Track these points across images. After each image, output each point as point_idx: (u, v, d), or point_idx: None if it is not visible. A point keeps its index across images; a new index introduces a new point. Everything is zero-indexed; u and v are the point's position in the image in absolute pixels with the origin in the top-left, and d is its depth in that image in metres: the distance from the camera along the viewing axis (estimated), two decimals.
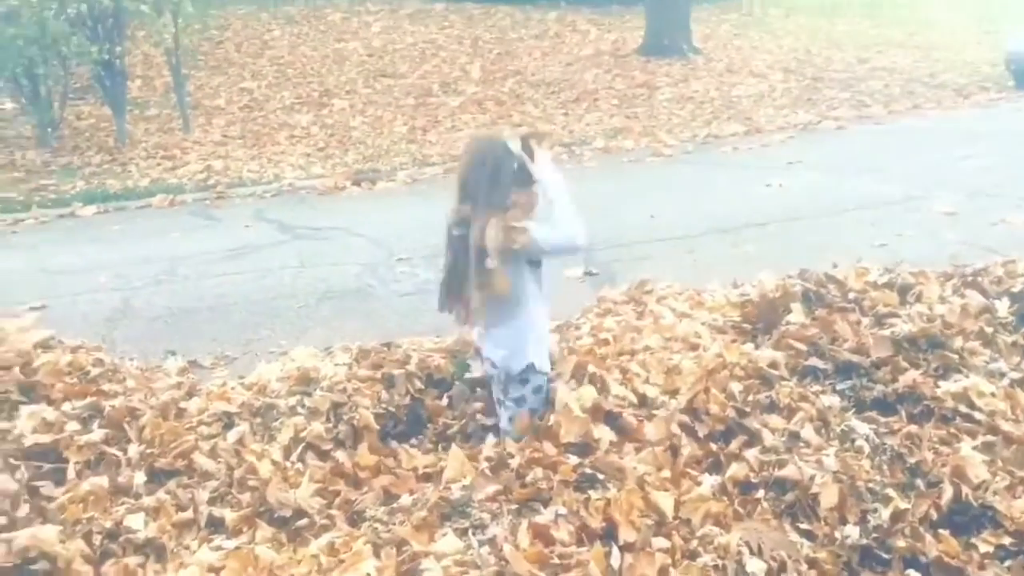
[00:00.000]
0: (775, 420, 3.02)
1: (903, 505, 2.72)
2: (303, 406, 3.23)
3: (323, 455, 3.09)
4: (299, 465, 3.02)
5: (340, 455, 3.04)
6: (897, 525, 2.68)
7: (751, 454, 2.89)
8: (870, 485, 2.77)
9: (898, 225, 6.89)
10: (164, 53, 13.11)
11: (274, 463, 2.98)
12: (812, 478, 2.73)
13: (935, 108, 13.19)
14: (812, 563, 2.55)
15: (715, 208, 8.01)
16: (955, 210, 7.27)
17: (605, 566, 2.38)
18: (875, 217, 7.31)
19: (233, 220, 8.89)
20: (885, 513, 2.70)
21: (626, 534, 2.51)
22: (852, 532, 2.64)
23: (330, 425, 3.17)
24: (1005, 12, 19.65)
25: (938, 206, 7.43)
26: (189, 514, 2.85)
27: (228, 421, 3.23)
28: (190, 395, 3.44)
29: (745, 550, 2.55)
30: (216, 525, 2.85)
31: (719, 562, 2.50)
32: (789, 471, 2.77)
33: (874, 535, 2.65)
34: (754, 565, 2.50)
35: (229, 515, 2.82)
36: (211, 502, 2.89)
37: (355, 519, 2.75)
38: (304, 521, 2.77)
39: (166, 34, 12.42)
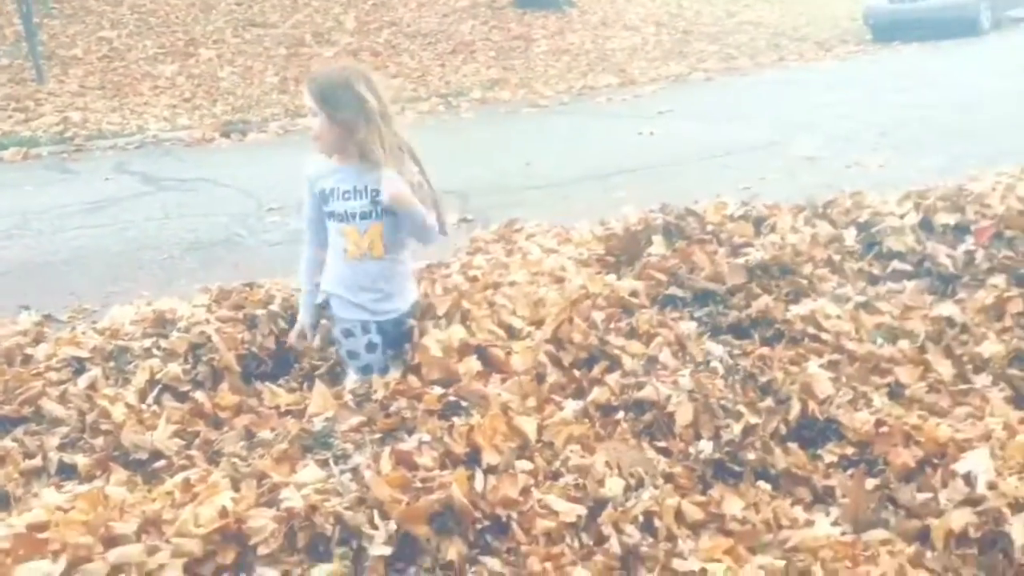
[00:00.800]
0: (635, 346, 3.10)
1: (754, 420, 2.83)
2: (159, 348, 3.12)
3: (181, 397, 3.00)
4: (155, 408, 2.93)
5: (199, 396, 2.95)
6: (748, 439, 2.79)
7: (612, 379, 2.96)
8: (723, 403, 2.87)
9: (761, 169, 7.13)
10: (14, 0, 12.30)
11: (128, 407, 2.88)
12: (668, 398, 2.81)
13: (798, 60, 13.68)
14: (668, 478, 2.64)
15: (589, 156, 8.11)
16: (814, 154, 7.58)
17: (468, 488, 2.40)
18: (740, 162, 7.55)
19: (92, 173, 8.48)
20: (737, 429, 2.80)
21: (489, 457, 2.53)
22: (706, 447, 2.74)
23: (188, 367, 3.08)
24: None
25: (798, 151, 7.73)
26: (37, 461, 2.74)
27: (79, 366, 3.09)
28: (37, 342, 3.27)
29: (605, 469, 2.61)
30: (68, 472, 2.74)
31: (580, 481, 2.56)
32: (647, 392, 2.85)
33: (727, 449, 2.76)
34: (613, 483, 2.57)
35: (81, 460, 2.72)
36: (61, 448, 2.78)
37: (215, 458, 2.69)
38: (162, 463, 2.69)
39: None
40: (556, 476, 2.58)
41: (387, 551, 2.12)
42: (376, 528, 2.18)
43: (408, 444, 2.53)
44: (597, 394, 2.91)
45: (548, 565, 2.21)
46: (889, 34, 14.97)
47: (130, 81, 12.09)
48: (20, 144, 9.55)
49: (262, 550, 2.07)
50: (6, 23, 13.67)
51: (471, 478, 2.45)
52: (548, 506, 2.41)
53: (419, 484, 2.37)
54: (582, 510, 2.42)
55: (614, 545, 2.28)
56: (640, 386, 2.91)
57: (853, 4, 16.84)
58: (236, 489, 2.35)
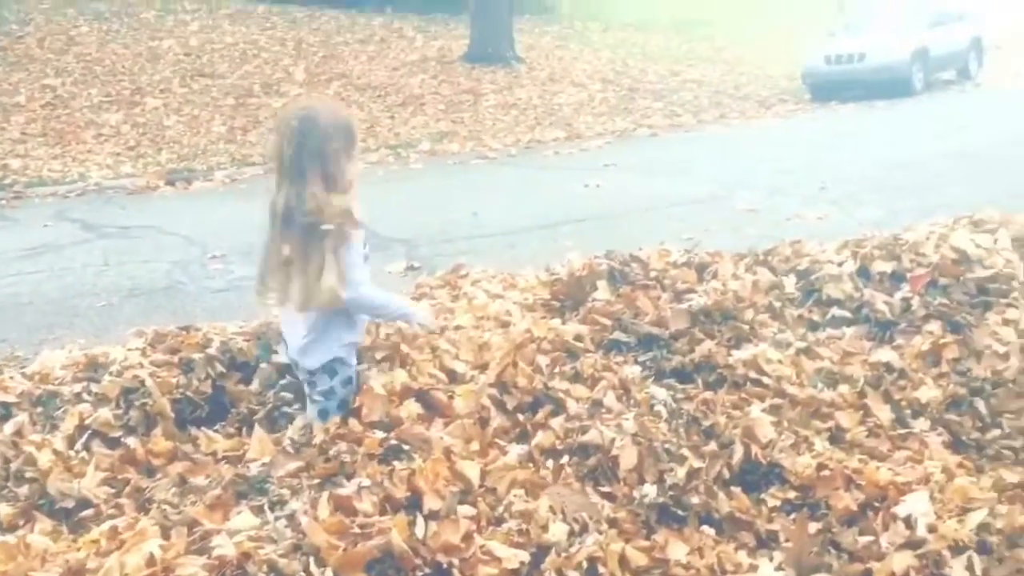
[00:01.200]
0: (579, 390, 3.08)
1: (697, 464, 2.82)
2: (90, 393, 3.02)
3: (112, 443, 2.90)
4: (84, 455, 2.82)
5: (131, 442, 2.85)
6: (692, 483, 2.78)
7: (556, 423, 2.93)
8: (667, 447, 2.86)
9: (704, 221, 7.24)
10: None
11: (56, 453, 2.77)
12: (612, 441, 2.79)
13: (739, 117, 14.03)
14: (612, 523, 2.61)
15: (536, 207, 8.17)
16: (755, 207, 7.72)
17: (408, 534, 2.35)
18: (683, 213, 7.66)
19: (31, 220, 8.31)
20: (681, 472, 2.79)
21: (431, 502, 2.48)
22: (650, 491, 2.72)
23: (120, 412, 2.98)
24: (803, 30, 21.14)
25: (740, 204, 7.88)
26: None
27: (5, 412, 2.98)
28: None
29: (549, 514, 2.58)
30: None
31: (523, 527, 2.51)
32: (591, 436, 2.83)
33: (671, 493, 2.74)
34: (557, 528, 2.54)
35: (4, 510, 2.60)
36: None
37: (146, 506, 2.59)
38: (89, 512, 2.59)
39: None
40: (499, 521, 2.54)
41: None
42: None
43: (347, 489, 2.47)
44: (541, 438, 2.88)
45: None
46: (827, 94, 15.46)
47: (73, 129, 11.93)
48: None
49: None
50: None
51: (412, 524, 2.40)
52: (491, 552, 2.37)
53: (357, 530, 2.31)
54: (525, 556, 2.38)
55: None
56: (584, 430, 2.89)
57: (792, 65, 17.38)
58: (166, 537, 2.27)
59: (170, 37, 16.27)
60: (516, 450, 2.84)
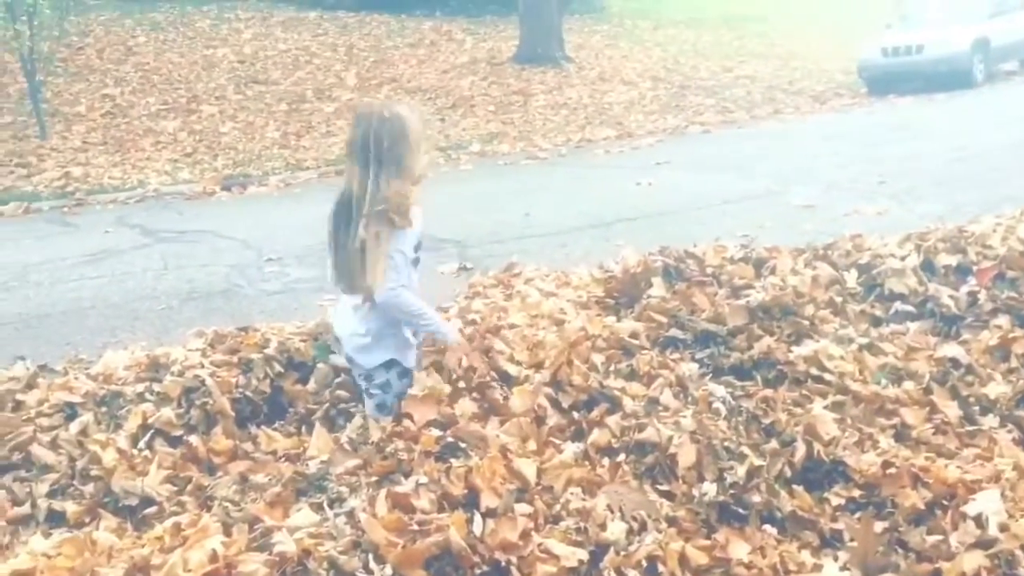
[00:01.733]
0: (635, 387, 3.05)
1: (758, 462, 2.77)
2: (152, 392, 3.07)
3: (174, 442, 2.94)
4: (147, 453, 2.87)
5: (193, 440, 2.90)
6: (753, 482, 2.73)
7: (612, 421, 2.91)
8: (727, 445, 2.82)
9: (759, 218, 7.13)
10: (19, 58, 12.46)
11: (119, 452, 2.82)
12: (670, 439, 2.76)
13: (794, 113, 13.81)
14: (672, 521, 2.57)
15: (587, 206, 8.13)
16: (811, 203, 7.59)
17: (466, 531, 2.34)
18: (738, 210, 7.56)
19: (92, 226, 8.50)
20: (741, 471, 2.74)
21: (488, 500, 2.47)
22: (709, 489, 2.68)
23: (181, 411, 3.03)
24: (859, 23, 20.76)
25: (796, 200, 7.74)
26: (26, 509, 2.67)
27: (71, 412, 3.05)
28: (29, 388, 3.23)
29: (607, 513, 2.55)
30: (57, 519, 2.68)
31: (581, 525, 2.49)
32: (648, 434, 2.80)
33: (731, 492, 2.70)
34: (615, 526, 2.51)
35: (71, 507, 2.66)
36: (51, 495, 2.72)
37: (208, 504, 2.63)
38: (153, 509, 2.64)
39: (21, 38, 11.82)
40: (556, 520, 2.52)
41: None
42: (371, 573, 2.12)
43: (405, 487, 2.48)
44: (597, 436, 2.86)
45: None
46: (884, 87, 15.13)
47: (132, 137, 12.19)
48: (21, 199, 9.60)
49: None
50: (11, 81, 13.83)
51: (469, 521, 2.39)
52: (548, 550, 2.35)
53: (416, 527, 2.31)
54: (583, 554, 2.36)
55: None
56: (641, 428, 2.86)
57: (847, 59, 17.06)
58: (227, 534, 2.29)
59: (224, 45, 16.55)
60: (572, 448, 2.83)
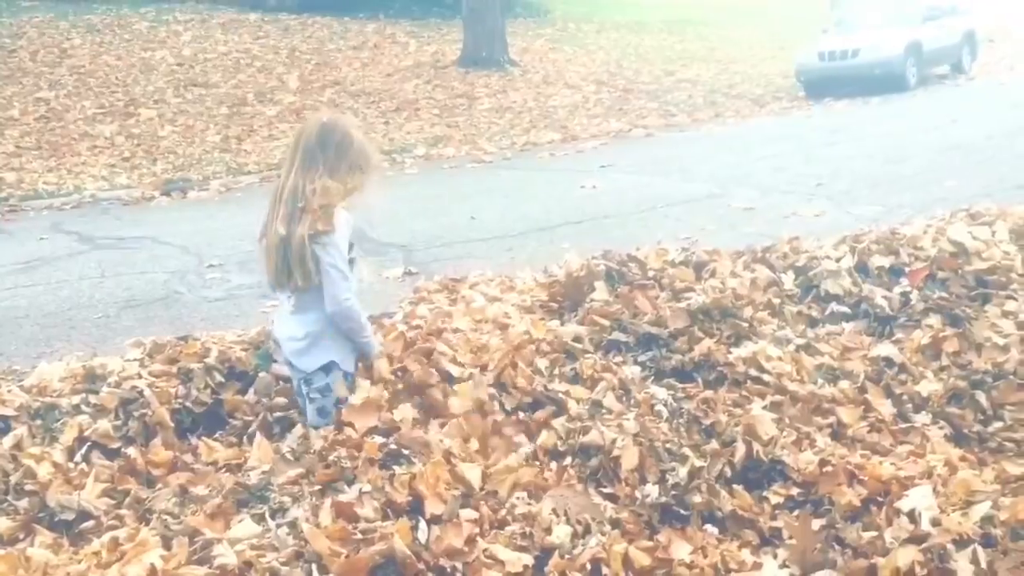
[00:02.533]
0: (579, 391, 3.08)
1: (699, 463, 2.81)
2: (88, 404, 3.01)
3: (111, 455, 2.88)
4: (83, 466, 2.81)
5: (131, 452, 2.84)
6: (694, 482, 2.77)
7: (558, 423, 2.92)
8: (668, 446, 2.85)
9: (701, 220, 7.23)
10: None
11: (55, 465, 2.76)
12: (613, 442, 2.79)
13: (734, 116, 14.03)
14: (615, 523, 2.60)
15: (533, 209, 8.16)
16: (752, 205, 7.72)
17: (411, 539, 2.34)
18: (680, 213, 7.65)
19: (26, 233, 8.28)
20: (683, 472, 2.78)
21: (433, 507, 2.47)
22: (652, 491, 2.71)
23: (119, 423, 2.97)
24: (796, 28, 21.17)
25: (737, 202, 7.87)
26: None
27: (4, 425, 2.97)
28: None
29: (552, 516, 2.57)
30: None
31: (527, 529, 2.50)
32: (592, 437, 2.83)
33: (673, 493, 2.73)
34: (560, 530, 2.52)
35: (4, 523, 2.59)
36: None
37: (147, 517, 2.58)
38: (90, 523, 2.58)
39: None
40: (502, 525, 2.52)
41: None
42: None
43: (348, 495, 2.47)
44: (545, 438, 2.87)
45: None
46: (821, 90, 15.45)
47: (68, 141, 11.91)
48: None
49: None
50: None
51: (414, 528, 2.39)
52: (494, 556, 2.36)
53: (360, 536, 2.30)
54: (529, 559, 2.37)
55: None
56: (586, 430, 2.88)
57: (785, 63, 17.39)
58: (167, 547, 2.26)
59: (163, 48, 16.26)
60: (518, 451, 2.84)
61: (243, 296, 5.87)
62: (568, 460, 2.82)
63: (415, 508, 2.48)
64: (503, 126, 13.29)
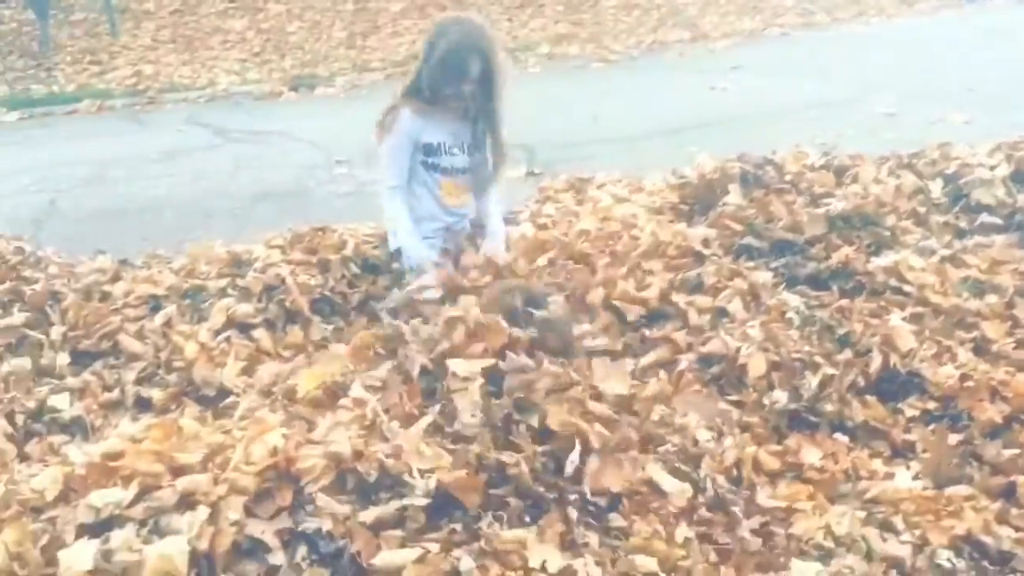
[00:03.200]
0: (702, 300, 3.01)
1: (831, 372, 2.74)
2: (235, 287, 3.15)
3: (251, 336, 3.02)
4: (224, 346, 2.96)
5: (259, 335, 2.97)
6: (825, 391, 2.71)
7: (679, 335, 2.87)
8: (798, 355, 2.78)
9: (839, 125, 6.87)
10: None
11: (200, 344, 2.91)
12: (738, 350, 2.73)
13: (879, 15, 13.17)
14: (745, 427, 2.57)
15: (659, 111, 7.95)
16: (895, 111, 7.30)
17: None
18: (817, 117, 7.31)
19: (165, 125, 8.60)
20: (813, 381, 2.72)
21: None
22: (780, 397, 2.66)
23: (261, 306, 3.10)
24: None
25: (879, 107, 7.45)
26: (115, 395, 2.79)
27: (155, 304, 3.14)
28: (115, 280, 3.33)
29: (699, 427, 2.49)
30: (144, 405, 2.79)
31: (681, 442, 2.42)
32: (714, 345, 2.77)
33: (803, 402, 2.68)
34: (702, 435, 2.47)
35: (157, 394, 2.76)
36: (138, 382, 2.83)
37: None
38: (229, 399, 2.72)
39: None
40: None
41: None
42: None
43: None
44: (662, 351, 2.83)
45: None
46: None
47: (200, 36, 12.21)
48: (95, 96, 9.73)
49: (311, 488, 2.03)
50: None
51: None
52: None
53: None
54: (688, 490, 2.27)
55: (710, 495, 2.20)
56: (706, 341, 2.82)
57: None
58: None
59: None
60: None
61: (369, 192, 5.96)
62: (684, 364, 2.76)
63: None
64: (630, 24, 12.86)
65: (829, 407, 2.67)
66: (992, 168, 3.75)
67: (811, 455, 2.41)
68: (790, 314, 2.98)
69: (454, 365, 2.30)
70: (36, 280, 3.25)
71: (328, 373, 2.28)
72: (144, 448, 2.18)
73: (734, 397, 2.72)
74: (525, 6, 13.73)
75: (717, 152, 4.71)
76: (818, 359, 2.79)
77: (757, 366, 2.75)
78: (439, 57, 3.02)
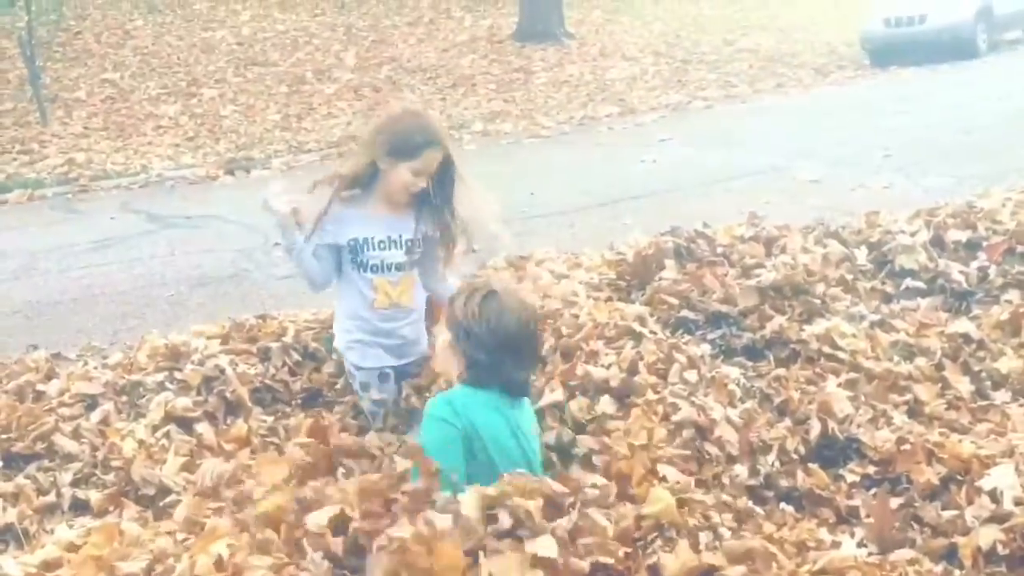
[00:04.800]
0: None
1: (781, 443, 2.78)
2: (173, 381, 3.10)
3: (191, 430, 2.97)
4: (164, 442, 2.90)
5: (201, 428, 2.92)
6: (780, 464, 2.75)
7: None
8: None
9: (765, 194, 7.13)
10: (17, 44, 12.44)
11: (139, 441, 2.85)
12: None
13: (797, 86, 13.76)
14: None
15: (593, 185, 8.13)
16: (818, 178, 7.58)
17: None
18: (743, 187, 7.56)
19: (98, 212, 8.51)
20: (770, 455, 2.75)
21: None
22: (741, 472, 2.68)
23: (201, 399, 3.06)
24: None
25: (802, 175, 7.74)
26: (51, 498, 2.71)
27: (91, 402, 3.07)
28: (48, 378, 3.25)
29: None
30: (81, 508, 2.71)
31: None
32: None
33: (759, 476, 2.71)
34: None
35: (94, 496, 2.69)
36: (75, 484, 2.75)
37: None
38: (171, 498, 2.66)
39: (19, 24, 11.80)
40: None
41: None
42: None
43: None
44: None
45: None
46: (886, 59, 15.02)
47: (133, 121, 12.17)
48: (25, 186, 9.59)
49: None
50: (10, 66, 13.77)
51: None
52: None
53: None
54: None
55: None
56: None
57: (850, 30, 16.93)
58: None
59: (223, 27, 16.46)
60: None
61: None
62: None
63: None
64: (561, 100, 13.21)
65: (784, 481, 2.71)
66: (912, 234, 3.91)
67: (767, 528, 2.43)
68: (731, 386, 3.04)
69: None
70: None
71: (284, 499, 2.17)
72: (84, 555, 2.12)
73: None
74: (458, 85, 14.02)
75: (651, 223, 4.84)
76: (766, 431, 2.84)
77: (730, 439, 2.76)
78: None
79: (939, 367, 3.26)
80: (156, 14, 16.84)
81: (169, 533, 2.28)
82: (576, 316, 3.27)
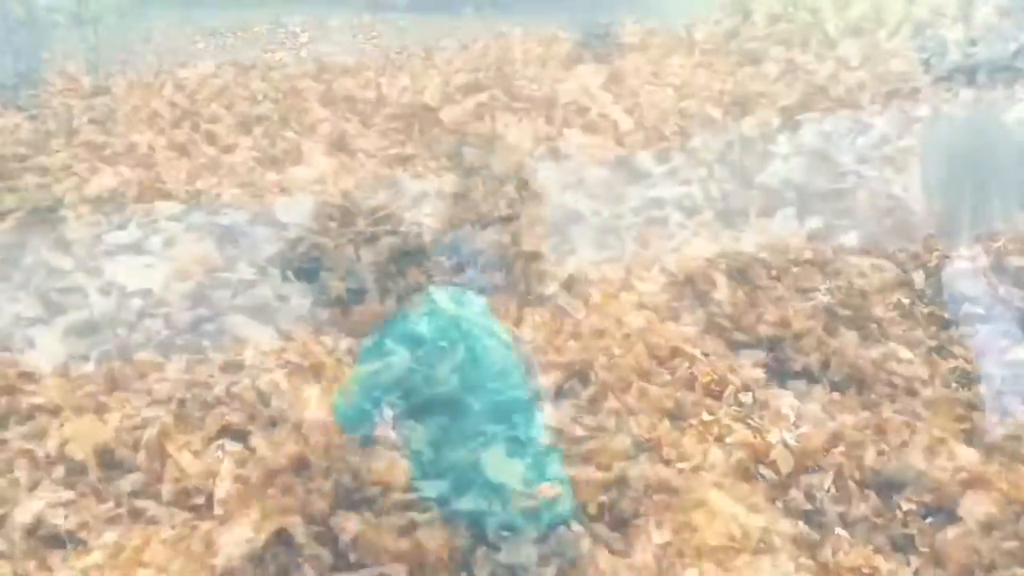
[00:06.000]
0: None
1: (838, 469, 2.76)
2: None
3: None
4: None
5: None
6: (835, 489, 2.73)
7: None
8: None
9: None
10: None
11: None
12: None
13: None
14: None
15: None
16: None
17: None
18: None
19: None
20: (826, 480, 2.74)
21: None
22: (797, 496, 2.68)
23: None
24: None
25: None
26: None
27: None
28: None
29: None
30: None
31: None
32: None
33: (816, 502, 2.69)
34: None
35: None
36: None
37: None
38: None
39: None
40: None
41: None
42: None
43: None
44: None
45: None
46: None
47: None
48: None
49: None
50: None
51: None
52: None
53: None
54: None
55: None
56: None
57: None
58: None
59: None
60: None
61: None
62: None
63: None
64: None
65: (838, 506, 2.68)
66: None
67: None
68: (785, 410, 3.02)
69: None
70: None
71: None
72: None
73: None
74: None
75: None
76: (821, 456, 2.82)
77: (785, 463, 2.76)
78: None
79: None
80: None
81: None
82: (628, 335, 3.28)
